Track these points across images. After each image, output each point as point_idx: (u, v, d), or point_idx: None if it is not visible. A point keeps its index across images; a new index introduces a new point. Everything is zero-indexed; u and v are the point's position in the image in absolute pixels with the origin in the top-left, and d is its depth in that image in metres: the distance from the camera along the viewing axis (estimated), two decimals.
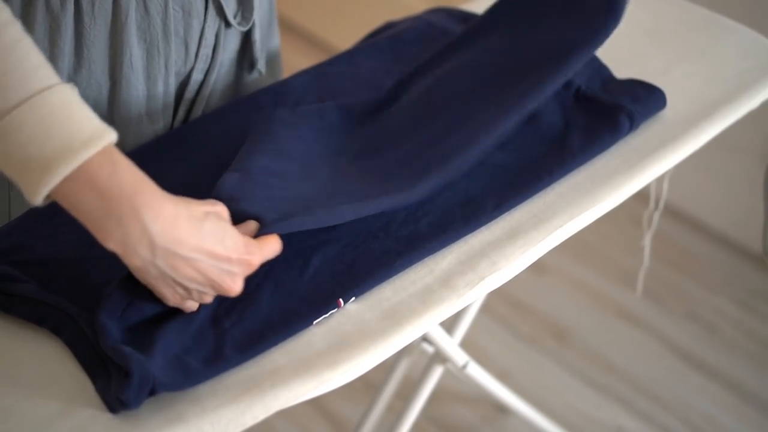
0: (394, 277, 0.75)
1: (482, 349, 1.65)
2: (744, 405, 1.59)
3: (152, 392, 0.63)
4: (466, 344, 1.25)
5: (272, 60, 1.00)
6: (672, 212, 1.91)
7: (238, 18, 0.88)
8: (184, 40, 0.84)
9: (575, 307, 1.76)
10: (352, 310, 0.72)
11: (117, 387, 0.62)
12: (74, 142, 0.58)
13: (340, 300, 0.71)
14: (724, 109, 0.94)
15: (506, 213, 0.81)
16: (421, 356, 1.28)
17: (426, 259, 0.76)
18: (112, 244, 0.61)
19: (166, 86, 0.85)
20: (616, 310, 1.75)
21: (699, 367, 1.65)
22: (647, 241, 1.23)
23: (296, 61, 2.38)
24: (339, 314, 0.72)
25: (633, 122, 0.89)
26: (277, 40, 1.02)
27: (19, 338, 0.68)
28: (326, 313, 0.71)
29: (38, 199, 0.59)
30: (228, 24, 0.87)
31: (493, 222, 0.80)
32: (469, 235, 0.79)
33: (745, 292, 1.79)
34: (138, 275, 0.64)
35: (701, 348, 1.69)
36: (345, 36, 2.44)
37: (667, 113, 0.93)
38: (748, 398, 1.60)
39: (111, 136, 0.60)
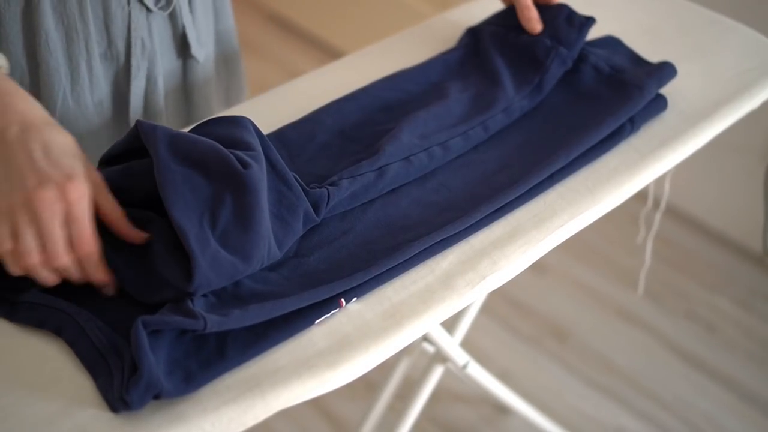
0: (395, 277, 0.75)
1: (482, 349, 1.65)
2: (744, 405, 1.59)
3: (155, 397, 0.63)
4: (466, 344, 1.25)
5: (223, 42, 1.00)
6: (672, 212, 1.91)
7: (162, 2, 0.88)
8: (104, 23, 0.84)
9: (575, 307, 1.76)
10: (353, 310, 0.72)
11: (120, 386, 0.62)
12: None
13: (342, 300, 0.71)
14: (724, 109, 0.94)
15: (508, 213, 0.81)
16: (422, 356, 1.29)
17: (427, 258, 0.76)
18: None
19: (89, 68, 0.86)
20: (617, 310, 1.75)
21: (699, 367, 1.65)
22: (648, 241, 1.23)
23: (296, 61, 2.38)
24: (340, 314, 0.72)
25: (634, 124, 0.89)
26: (229, 22, 1.01)
27: (21, 338, 0.68)
28: (328, 313, 0.71)
29: None
30: (149, 8, 0.87)
31: (493, 221, 0.80)
32: (470, 235, 0.79)
33: (745, 292, 1.79)
34: None
35: (701, 348, 1.69)
36: (346, 37, 2.44)
37: (667, 113, 0.93)
38: (748, 398, 1.60)
39: None
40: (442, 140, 0.85)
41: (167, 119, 0.96)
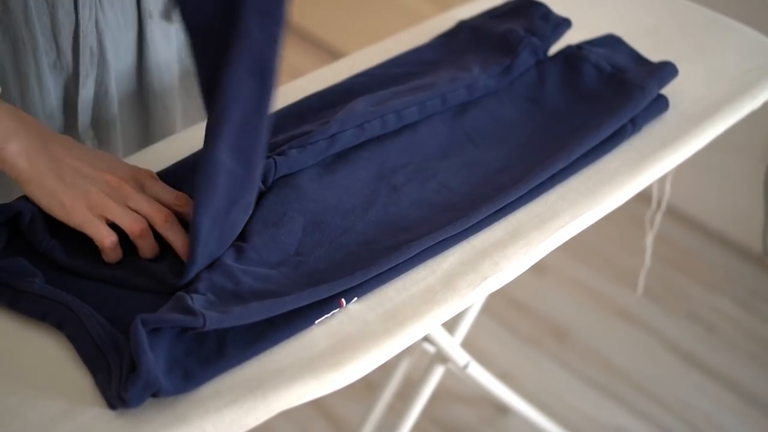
0: (396, 277, 0.75)
1: (483, 350, 1.65)
2: (744, 405, 1.59)
3: (154, 395, 0.63)
4: (466, 344, 1.25)
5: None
6: (672, 212, 1.91)
7: None
8: (51, 32, 0.83)
9: (575, 307, 1.76)
10: (354, 311, 0.72)
11: (119, 384, 0.62)
12: None
13: (342, 300, 0.71)
14: (726, 110, 0.94)
15: (509, 215, 0.81)
16: (422, 356, 1.29)
17: (428, 259, 0.76)
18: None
19: (39, 80, 0.84)
20: (616, 310, 1.75)
21: (699, 367, 1.65)
22: (649, 242, 1.23)
23: (296, 61, 2.38)
24: (341, 314, 0.72)
25: (635, 125, 0.89)
26: None
27: (22, 338, 0.68)
28: (328, 313, 0.71)
29: None
30: None
31: (495, 222, 0.80)
32: (471, 236, 0.79)
33: (745, 292, 1.79)
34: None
35: (701, 348, 1.69)
36: (346, 37, 2.44)
37: (668, 114, 0.93)
38: (748, 398, 1.60)
39: None
40: (398, 108, 0.86)
41: (122, 126, 0.94)
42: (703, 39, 1.06)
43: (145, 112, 0.96)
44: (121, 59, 0.90)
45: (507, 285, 0.78)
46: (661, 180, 1.07)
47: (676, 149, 0.89)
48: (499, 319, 1.72)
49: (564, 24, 0.98)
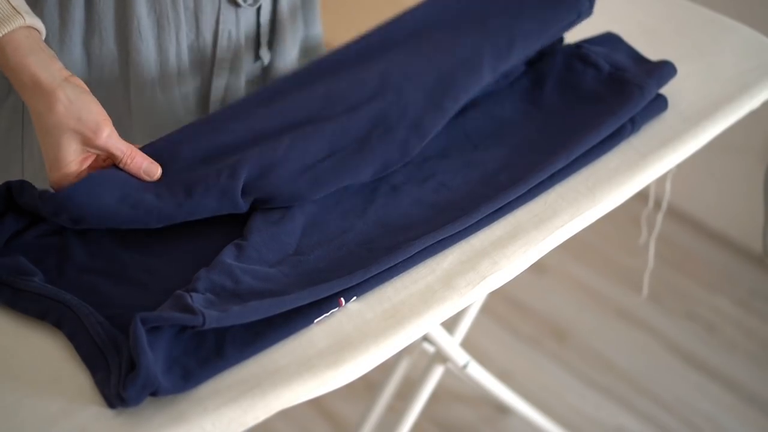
0: (396, 277, 0.75)
1: (482, 350, 1.65)
2: (744, 405, 1.59)
3: (153, 394, 0.63)
4: (465, 344, 1.25)
5: (310, 50, 1.01)
6: (672, 212, 1.91)
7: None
8: (194, 14, 0.86)
9: (575, 307, 1.76)
10: (353, 310, 0.72)
11: (117, 383, 0.62)
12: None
13: (342, 299, 0.71)
14: (725, 109, 0.94)
15: (508, 213, 0.81)
16: (422, 356, 1.28)
17: (427, 258, 0.76)
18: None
19: (178, 58, 0.87)
20: (616, 310, 1.75)
21: (699, 367, 1.65)
22: (651, 243, 1.23)
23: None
24: (340, 314, 0.72)
25: (635, 124, 0.89)
26: (317, 29, 1.03)
27: (22, 338, 0.68)
28: (327, 312, 0.71)
29: None
30: (237, 3, 0.88)
31: (494, 221, 0.80)
32: (471, 235, 0.79)
33: (745, 292, 1.79)
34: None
35: (701, 348, 1.69)
36: (346, 37, 2.44)
37: (668, 113, 0.93)
38: (748, 398, 1.60)
39: (15, 22, 0.71)
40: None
41: None
42: (702, 38, 1.06)
43: None
44: (248, 52, 0.92)
45: (507, 285, 0.78)
46: (661, 180, 1.07)
47: (675, 149, 0.89)
48: (499, 319, 1.72)
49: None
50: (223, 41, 0.88)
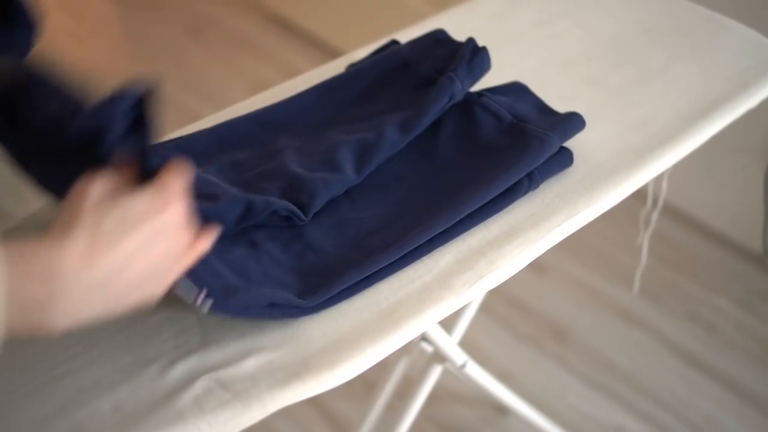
0: (392, 276, 0.75)
1: (482, 349, 1.65)
2: (744, 405, 1.59)
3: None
4: (465, 344, 1.25)
5: None
6: (671, 212, 1.91)
7: None
8: None
9: (575, 307, 1.76)
10: (350, 310, 0.72)
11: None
12: None
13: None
14: (723, 108, 0.94)
15: (503, 212, 0.81)
16: (420, 355, 1.28)
17: (424, 257, 0.76)
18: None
19: None
20: (616, 310, 1.75)
21: (699, 367, 1.65)
22: (645, 240, 1.23)
23: (296, 61, 2.38)
24: (337, 314, 0.72)
25: (532, 181, 0.83)
26: None
27: (22, 337, 0.68)
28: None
29: None
30: None
31: (491, 221, 0.80)
32: (467, 233, 0.79)
33: (745, 292, 1.79)
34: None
35: (701, 348, 1.69)
36: (346, 37, 2.44)
37: (666, 112, 0.93)
38: (748, 398, 1.60)
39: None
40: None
41: None
42: (700, 37, 1.06)
43: None
44: None
45: (506, 284, 0.78)
46: (658, 178, 1.07)
47: (672, 147, 0.89)
48: (499, 319, 1.72)
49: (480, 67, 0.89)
50: None
